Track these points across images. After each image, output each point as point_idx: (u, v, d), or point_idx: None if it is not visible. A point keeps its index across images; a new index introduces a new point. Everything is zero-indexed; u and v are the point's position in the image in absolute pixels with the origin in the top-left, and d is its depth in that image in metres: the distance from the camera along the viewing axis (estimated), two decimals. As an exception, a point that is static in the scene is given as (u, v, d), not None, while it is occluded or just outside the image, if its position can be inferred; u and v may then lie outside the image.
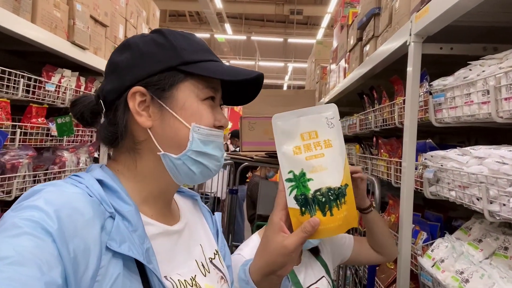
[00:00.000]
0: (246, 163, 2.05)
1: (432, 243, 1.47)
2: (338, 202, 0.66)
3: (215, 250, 0.81)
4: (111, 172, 0.67)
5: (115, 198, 0.63)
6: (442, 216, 1.73)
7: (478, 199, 1.14)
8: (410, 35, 1.49)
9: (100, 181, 0.63)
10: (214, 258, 0.79)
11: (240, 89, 0.77)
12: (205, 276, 0.73)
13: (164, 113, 0.67)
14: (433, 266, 1.36)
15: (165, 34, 0.70)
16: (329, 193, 0.66)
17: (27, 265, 0.47)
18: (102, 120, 0.72)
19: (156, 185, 0.70)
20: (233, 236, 2.95)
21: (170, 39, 0.69)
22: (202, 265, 0.74)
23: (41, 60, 2.20)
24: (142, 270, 0.60)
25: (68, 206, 0.55)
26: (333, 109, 0.69)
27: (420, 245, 1.56)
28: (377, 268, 2.02)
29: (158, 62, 0.68)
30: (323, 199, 0.66)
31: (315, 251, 1.41)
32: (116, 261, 0.57)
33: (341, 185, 0.66)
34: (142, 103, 0.67)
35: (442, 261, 1.33)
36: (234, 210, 2.92)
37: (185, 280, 0.68)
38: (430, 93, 1.45)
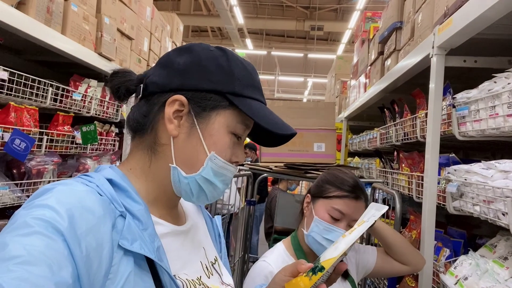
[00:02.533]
0: (265, 174, 2.05)
1: (455, 260, 1.42)
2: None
3: (215, 256, 0.82)
4: (121, 172, 0.68)
5: (125, 197, 0.63)
6: (465, 233, 1.68)
7: (503, 214, 1.10)
8: (433, 47, 1.48)
9: (110, 181, 0.64)
10: (214, 263, 0.80)
11: (268, 133, 0.76)
12: (209, 278, 0.74)
13: (193, 130, 0.68)
14: (456, 283, 1.32)
15: (229, 57, 0.71)
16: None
17: (37, 265, 0.47)
18: (133, 100, 0.73)
19: (165, 188, 0.71)
20: (249, 249, 2.93)
21: (231, 64, 0.70)
22: (206, 267, 0.75)
23: (68, 70, 2.29)
24: (152, 268, 0.60)
25: (79, 204, 0.55)
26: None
27: (443, 262, 1.52)
28: (397, 286, 1.97)
29: (210, 82, 0.68)
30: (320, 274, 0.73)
31: (344, 274, 1.38)
32: (127, 259, 0.57)
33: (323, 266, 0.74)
34: (177, 112, 0.68)
35: (466, 278, 1.29)
36: (251, 222, 2.90)
37: (192, 280, 0.68)
38: (453, 106, 1.42)
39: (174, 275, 0.65)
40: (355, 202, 1.25)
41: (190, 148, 0.68)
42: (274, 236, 3.74)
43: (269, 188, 5.19)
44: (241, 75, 0.70)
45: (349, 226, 1.24)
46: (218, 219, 0.91)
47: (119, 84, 0.72)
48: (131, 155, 0.73)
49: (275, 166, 1.91)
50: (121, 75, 0.73)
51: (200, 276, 0.72)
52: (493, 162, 1.19)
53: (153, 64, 2.85)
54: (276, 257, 1.29)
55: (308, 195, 1.36)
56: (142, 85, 0.71)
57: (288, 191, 4.23)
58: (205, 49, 0.71)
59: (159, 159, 0.69)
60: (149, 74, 0.72)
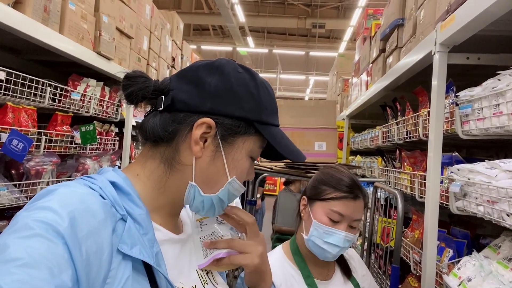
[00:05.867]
0: (265, 174, 2.04)
1: (459, 261, 1.40)
2: None
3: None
4: (124, 175, 0.67)
5: (127, 201, 0.63)
6: (469, 233, 1.66)
7: (508, 215, 1.08)
8: (435, 44, 1.46)
9: (113, 183, 0.63)
10: (208, 272, 0.80)
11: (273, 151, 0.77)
12: (204, 287, 0.74)
13: (217, 154, 0.69)
14: (459, 285, 1.29)
15: (257, 83, 0.72)
16: None
17: (37, 268, 0.47)
18: (143, 105, 0.71)
19: (174, 200, 0.71)
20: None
21: (259, 91, 0.72)
22: (202, 276, 0.75)
23: (67, 69, 2.27)
24: (149, 273, 0.60)
25: (81, 207, 0.55)
26: None
27: (446, 263, 1.49)
28: (400, 286, 1.95)
29: (241, 109, 0.69)
30: None
31: (347, 273, 1.35)
32: (126, 264, 0.57)
33: None
34: (203, 134, 0.68)
35: (469, 280, 1.26)
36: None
37: None
38: (457, 105, 1.40)
39: None
40: (354, 202, 1.21)
41: (212, 170, 0.69)
42: (276, 235, 3.73)
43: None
44: (268, 103, 0.73)
45: (350, 227, 1.21)
46: None
47: (137, 92, 0.69)
48: (142, 162, 0.71)
49: (276, 166, 1.89)
50: (138, 80, 0.70)
51: (196, 286, 0.71)
52: (497, 161, 1.17)
53: (154, 63, 2.78)
54: (273, 262, 1.25)
55: (304, 197, 1.31)
56: (164, 97, 0.69)
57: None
58: (234, 70, 0.71)
59: (176, 175, 0.69)
60: (173, 87, 0.69)
